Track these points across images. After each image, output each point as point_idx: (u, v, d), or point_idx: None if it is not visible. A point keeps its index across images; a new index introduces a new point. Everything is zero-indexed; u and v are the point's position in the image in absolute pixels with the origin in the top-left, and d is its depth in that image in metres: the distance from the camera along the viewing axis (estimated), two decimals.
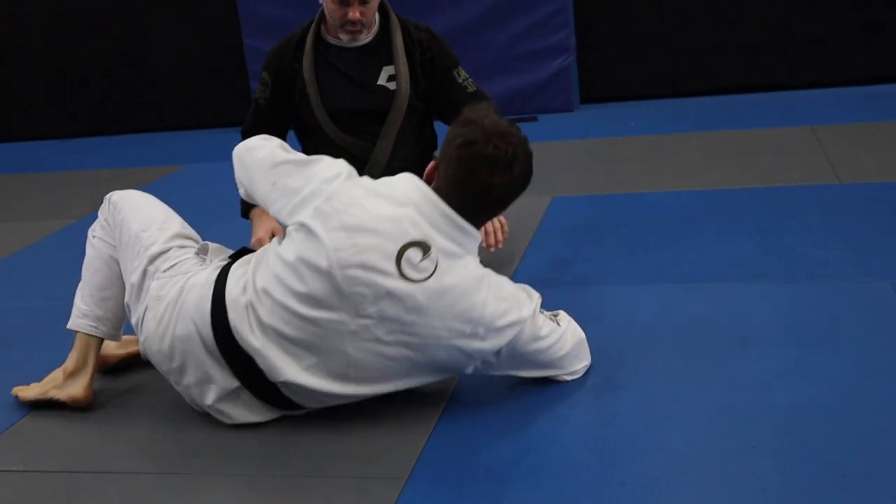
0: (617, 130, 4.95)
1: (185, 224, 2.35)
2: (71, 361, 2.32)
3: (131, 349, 2.52)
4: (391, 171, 2.31)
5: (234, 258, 2.18)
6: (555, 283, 2.81)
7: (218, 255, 2.23)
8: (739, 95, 5.46)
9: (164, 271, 2.15)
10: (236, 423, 2.11)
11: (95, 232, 2.40)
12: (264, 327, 1.97)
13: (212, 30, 6.12)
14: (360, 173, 2.15)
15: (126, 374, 2.51)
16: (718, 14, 5.48)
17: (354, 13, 2.71)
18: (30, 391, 2.35)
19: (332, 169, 2.06)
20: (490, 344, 1.97)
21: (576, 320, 2.50)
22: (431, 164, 2.04)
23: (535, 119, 5.44)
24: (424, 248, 1.91)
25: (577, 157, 4.55)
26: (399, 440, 2.00)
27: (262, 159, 2.17)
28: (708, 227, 3.23)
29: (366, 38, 2.85)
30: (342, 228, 1.93)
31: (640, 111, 5.38)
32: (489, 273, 2.01)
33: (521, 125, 5.58)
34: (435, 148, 2.95)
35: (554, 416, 2.07)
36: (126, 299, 2.24)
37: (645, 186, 3.82)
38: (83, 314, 2.35)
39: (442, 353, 1.96)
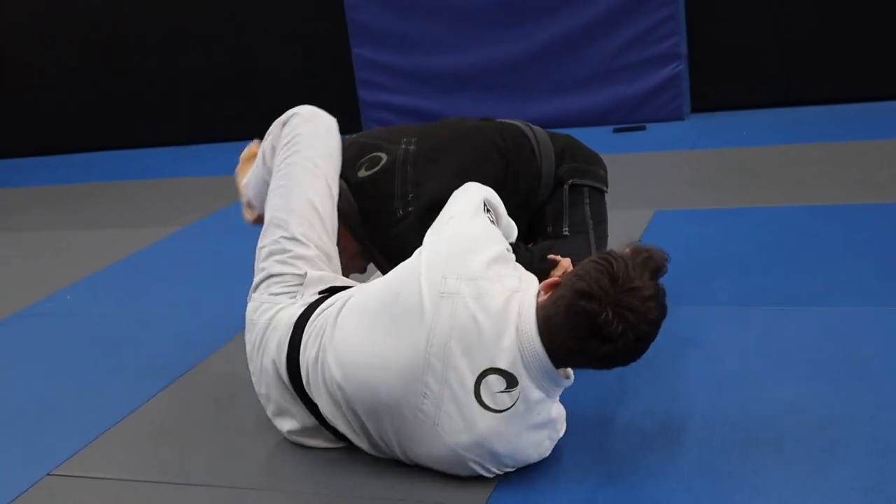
0: (728, 141, 4.77)
1: (325, 220, 2.19)
2: None
3: None
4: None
5: (325, 293, 2.08)
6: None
7: (313, 287, 2.09)
8: (860, 104, 5.18)
9: (265, 293, 2.11)
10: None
11: (265, 150, 2.47)
12: (327, 387, 1.93)
13: (321, 40, 6.20)
14: None
15: (215, 389, 2.54)
16: (839, 19, 5.22)
17: None
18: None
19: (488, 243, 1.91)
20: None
21: (671, 343, 2.42)
22: (553, 280, 1.82)
23: (643, 128, 5.30)
24: (510, 381, 1.76)
25: (683, 168, 4.41)
26: None
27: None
28: (820, 245, 3.05)
29: None
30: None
31: (753, 121, 5.17)
32: (555, 420, 1.86)
33: (629, 134, 5.48)
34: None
35: (636, 440, 1.98)
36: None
37: (754, 201, 3.65)
38: None
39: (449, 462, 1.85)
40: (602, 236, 2.52)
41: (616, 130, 5.33)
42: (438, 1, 5.58)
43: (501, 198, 2.20)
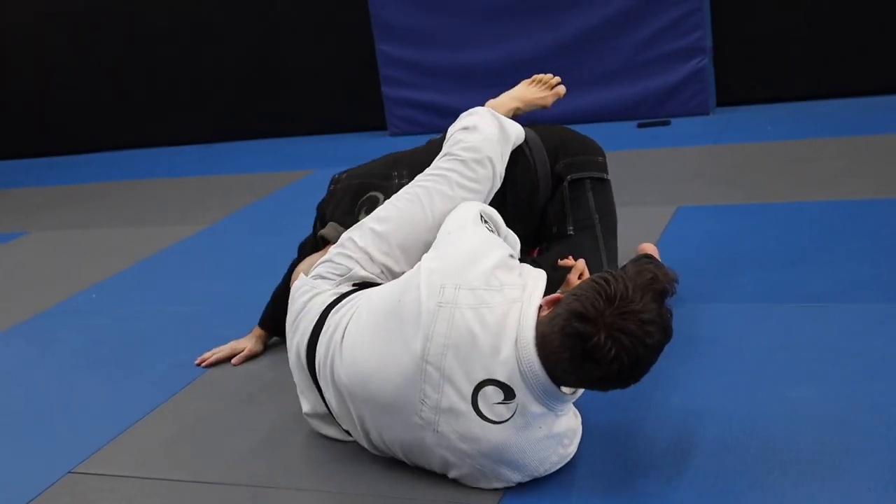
0: (753, 135, 4.72)
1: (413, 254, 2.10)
2: None
3: None
4: None
5: (358, 286, 2.08)
6: (669, 300, 2.68)
7: (351, 281, 2.09)
8: (888, 97, 5.11)
9: (313, 274, 2.12)
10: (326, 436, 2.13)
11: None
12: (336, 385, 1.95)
13: (344, 36, 6.22)
14: None
15: (235, 388, 2.56)
16: (866, 10, 5.15)
17: None
18: None
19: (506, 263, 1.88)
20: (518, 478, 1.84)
21: (690, 340, 2.40)
22: (555, 296, 1.77)
23: (667, 123, 5.27)
24: (507, 393, 1.73)
25: (707, 163, 4.37)
26: None
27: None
28: (844, 241, 3.01)
29: None
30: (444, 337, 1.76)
31: (779, 114, 5.11)
32: (560, 435, 1.82)
33: (653, 129, 5.41)
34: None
35: (650, 439, 1.97)
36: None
37: (778, 196, 3.61)
38: None
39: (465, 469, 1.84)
40: (610, 228, 2.50)
41: (640, 126, 5.30)
42: None
43: (504, 209, 2.19)
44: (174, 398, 2.52)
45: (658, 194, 3.84)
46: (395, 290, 1.90)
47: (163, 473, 2.14)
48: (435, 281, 1.81)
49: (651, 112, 5.41)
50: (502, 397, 1.73)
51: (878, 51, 5.16)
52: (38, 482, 2.16)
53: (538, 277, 1.88)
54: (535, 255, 2.50)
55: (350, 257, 2.09)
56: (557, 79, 2.75)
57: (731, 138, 4.73)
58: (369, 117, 6.18)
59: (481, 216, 2.05)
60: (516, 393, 1.73)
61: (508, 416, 1.74)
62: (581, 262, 2.30)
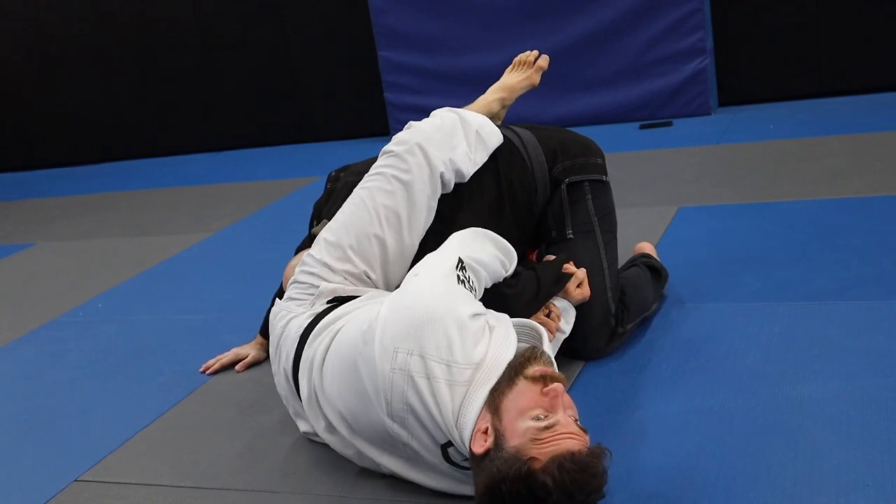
0: (755, 135, 4.72)
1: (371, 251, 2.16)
2: None
3: None
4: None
5: (333, 302, 2.10)
6: (671, 300, 2.70)
7: (324, 298, 2.12)
8: (891, 94, 5.11)
9: (286, 298, 2.17)
10: None
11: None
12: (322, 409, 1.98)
13: (348, 43, 6.25)
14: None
15: (240, 394, 2.57)
16: (870, 8, 5.15)
17: None
18: None
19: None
20: None
21: (692, 339, 2.41)
22: (482, 435, 1.68)
23: (669, 124, 5.27)
24: None
25: (709, 163, 4.37)
26: None
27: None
28: (845, 239, 3.02)
29: None
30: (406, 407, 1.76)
31: (781, 113, 5.12)
32: None
33: (655, 130, 5.42)
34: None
35: (652, 437, 1.98)
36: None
37: (779, 195, 3.62)
38: None
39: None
40: (609, 230, 2.49)
41: (642, 127, 5.31)
42: (464, 1, 5.60)
43: (502, 211, 2.18)
44: (179, 405, 2.54)
45: (660, 195, 3.85)
46: (358, 337, 1.85)
47: (168, 480, 2.15)
48: (388, 343, 1.77)
49: (654, 113, 5.42)
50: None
51: (880, 48, 5.17)
52: (44, 490, 2.17)
53: (496, 362, 1.78)
54: (533, 257, 2.50)
55: (312, 273, 2.14)
56: (535, 53, 2.76)
57: (734, 138, 4.74)
58: (372, 123, 6.21)
59: (459, 263, 1.95)
60: None
61: None
62: (581, 272, 2.31)
